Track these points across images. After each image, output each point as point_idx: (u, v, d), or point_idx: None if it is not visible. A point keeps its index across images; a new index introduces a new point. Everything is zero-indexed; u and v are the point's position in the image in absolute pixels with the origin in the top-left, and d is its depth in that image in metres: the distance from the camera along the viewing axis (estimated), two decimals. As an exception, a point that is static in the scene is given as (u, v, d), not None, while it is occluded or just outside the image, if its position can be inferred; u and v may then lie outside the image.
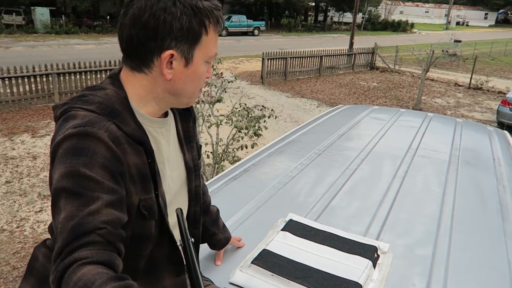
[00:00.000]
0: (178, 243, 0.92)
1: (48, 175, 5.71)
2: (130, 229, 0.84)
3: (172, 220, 0.95)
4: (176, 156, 1.01)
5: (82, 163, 0.74)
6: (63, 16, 24.07)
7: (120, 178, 0.79)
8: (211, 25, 0.87)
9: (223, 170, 5.03)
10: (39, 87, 8.69)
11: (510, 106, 9.03)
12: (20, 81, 8.42)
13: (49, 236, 0.95)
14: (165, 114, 0.98)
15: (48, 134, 7.20)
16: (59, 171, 0.75)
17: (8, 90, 8.33)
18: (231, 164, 5.24)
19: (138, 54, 0.85)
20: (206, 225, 1.26)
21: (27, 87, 8.54)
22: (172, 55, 0.84)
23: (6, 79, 8.22)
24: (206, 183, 1.86)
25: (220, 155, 5.21)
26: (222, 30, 0.93)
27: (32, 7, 22.85)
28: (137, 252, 0.90)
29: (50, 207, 0.77)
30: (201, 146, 1.13)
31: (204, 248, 1.33)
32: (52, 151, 0.79)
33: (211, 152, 5.22)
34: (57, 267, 0.67)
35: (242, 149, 5.09)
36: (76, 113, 0.81)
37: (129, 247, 0.84)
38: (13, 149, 6.52)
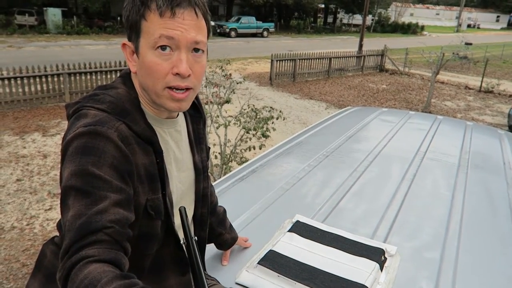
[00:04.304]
0: (182, 242, 0.93)
1: (58, 174, 5.74)
2: (136, 229, 0.85)
3: (177, 220, 0.95)
4: (186, 157, 1.02)
5: (91, 162, 0.75)
6: (74, 17, 24.32)
7: (128, 177, 0.80)
8: (152, 10, 0.81)
9: (230, 171, 5.06)
10: (50, 87, 8.79)
11: (522, 110, 8.92)
12: (31, 80, 8.52)
13: (57, 233, 0.96)
14: (176, 115, 0.98)
15: (59, 133, 7.28)
16: (68, 170, 0.75)
17: (20, 90, 8.44)
18: (238, 165, 5.25)
19: None
20: (213, 225, 1.27)
21: (38, 87, 8.64)
22: (125, 45, 0.89)
23: (18, 78, 8.33)
24: (213, 184, 1.87)
25: (228, 156, 5.22)
26: (172, 12, 0.81)
27: (45, 8, 23.14)
28: (143, 251, 0.91)
29: (59, 205, 0.78)
30: (209, 148, 1.14)
31: (210, 248, 1.34)
32: (62, 149, 0.80)
33: (219, 153, 5.23)
34: (64, 264, 0.68)
35: (250, 150, 5.09)
36: (87, 112, 0.82)
37: (135, 246, 0.84)
38: (24, 147, 6.60)
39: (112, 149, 0.77)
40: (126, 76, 0.92)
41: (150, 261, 0.93)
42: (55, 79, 8.82)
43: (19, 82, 8.38)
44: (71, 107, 0.86)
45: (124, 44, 0.88)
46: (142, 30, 0.83)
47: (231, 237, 1.33)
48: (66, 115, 0.88)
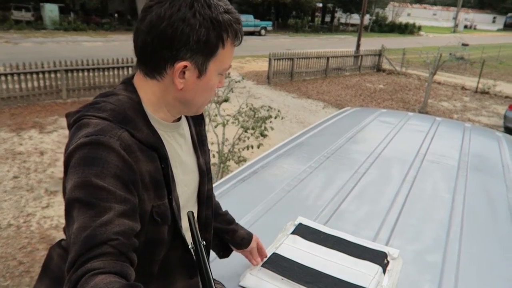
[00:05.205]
0: (190, 246, 0.93)
1: (54, 171, 5.68)
2: (143, 236, 0.84)
3: (184, 224, 0.95)
4: (190, 160, 1.02)
5: (94, 173, 0.74)
6: (71, 13, 24.19)
7: (133, 186, 0.79)
8: (229, 39, 0.86)
9: (228, 170, 5.07)
10: (47, 84, 8.75)
11: (518, 111, 8.97)
12: (28, 77, 8.48)
13: (64, 236, 0.96)
14: (178, 118, 0.98)
15: (56, 130, 7.24)
16: (71, 181, 0.75)
17: (17, 86, 8.39)
18: (236, 163, 5.25)
19: (152, 61, 0.85)
20: (223, 225, 1.24)
21: (35, 83, 8.60)
22: (185, 66, 0.83)
23: (15, 74, 8.28)
24: (214, 185, 1.86)
25: (226, 155, 5.22)
26: (240, 43, 0.90)
27: (41, 4, 22.99)
28: (151, 257, 0.90)
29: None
30: (209, 149, 1.14)
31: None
32: (65, 160, 0.79)
33: (217, 152, 5.23)
34: (70, 278, 0.67)
35: (248, 149, 5.09)
36: (88, 121, 0.80)
37: (143, 253, 0.84)
38: (21, 144, 6.57)
39: (115, 159, 0.76)
40: (128, 82, 0.91)
41: (158, 265, 0.93)
42: (52, 75, 8.78)
43: (15, 78, 8.33)
44: (72, 116, 0.85)
45: (185, 65, 0.84)
46: (217, 56, 0.86)
47: (246, 232, 1.29)
48: (67, 125, 0.86)
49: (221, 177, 4.94)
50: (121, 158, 0.77)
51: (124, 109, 0.84)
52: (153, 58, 0.84)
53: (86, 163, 0.75)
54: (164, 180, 0.88)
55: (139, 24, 0.85)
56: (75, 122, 0.83)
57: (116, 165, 0.76)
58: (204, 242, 0.87)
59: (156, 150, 0.86)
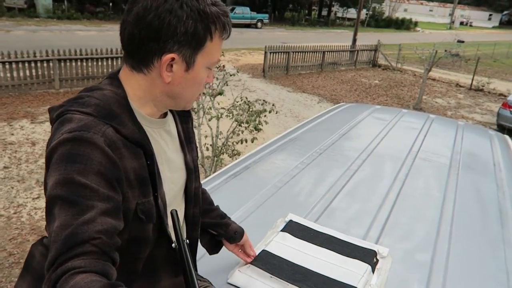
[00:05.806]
0: (173, 245, 0.91)
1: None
2: (126, 233, 0.83)
3: (170, 221, 0.94)
4: (177, 157, 1.00)
5: (77, 170, 0.72)
6: (65, 1, 23.84)
7: (117, 184, 0.77)
8: (217, 31, 0.85)
9: (222, 163, 5.05)
10: (40, 73, 8.63)
11: (511, 109, 9.03)
12: (20, 65, 8.34)
13: (46, 234, 0.94)
14: (164, 115, 0.97)
15: (48, 121, 7.16)
16: (53, 178, 0.73)
17: (8, 75, 8.26)
18: (230, 157, 5.24)
19: (139, 54, 0.83)
20: (216, 220, 1.23)
21: (27, 72, 8.47)
22: (173, 59, 0.82)
23: (7, 63, 8.15)
24: (205, 180, 1.85)
25: (220, 148, 5.20)
26: (228, 37, 0.89)
27: (34, -9, 22.64)
28: (135, 255, 0.89)
29: (45, 215, 0.75)
30: (197, 147, 1.12)
31: (203, 248, 1.32)
32: (47, 156, 0.77)
33: (210, 145, 5.21)
34: (50, 276, 0.66)
35: (242, 143, 5.07)
36: (72, 116, 0.78)
37: (127, 251, 0.82)
38: (12, 134, 6.49)
39: (99, 156, 0.75)
40: (113, 76, 0.89)
41: (143, 263, 0.92)
42: (45, 65, 8.65)
43: (7, 67, 8.20)
44: (55, 111, 0.82)
45: (173, 58, 0.82)
46: (205, 49, 0.85)
47: (238, 226, 1.28)
48: (49, 120, 0.84)
49: (215, 170, 4.92)
50: (105, 155, 0.76)
51: (109, 104, 0.82)
52: (140, 50, 0.82)
53: (68, 159, 0.73)
54: (150, 177, 0.86)
55: (125, 16, 0.83)
56: (58, 117, 0.80)
57: (99, 162, 0.74)
58: (187, 241, 0.86)
59: (141, 146, 0.84)
